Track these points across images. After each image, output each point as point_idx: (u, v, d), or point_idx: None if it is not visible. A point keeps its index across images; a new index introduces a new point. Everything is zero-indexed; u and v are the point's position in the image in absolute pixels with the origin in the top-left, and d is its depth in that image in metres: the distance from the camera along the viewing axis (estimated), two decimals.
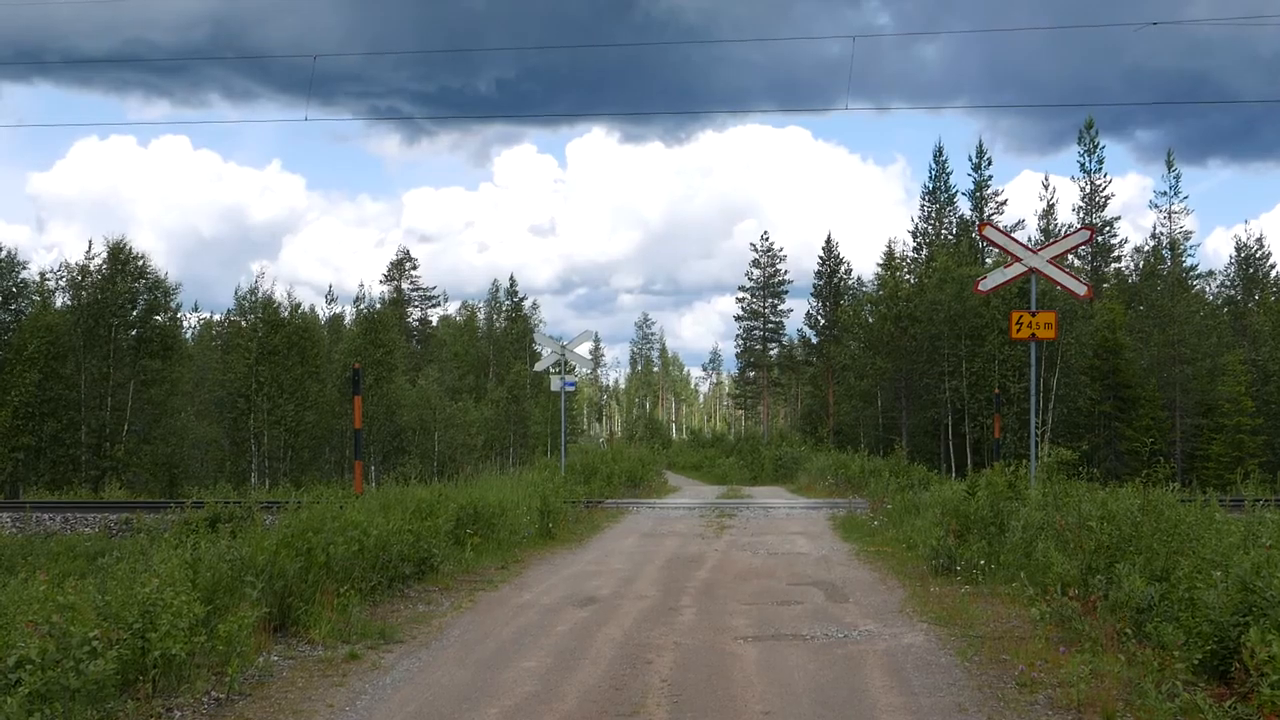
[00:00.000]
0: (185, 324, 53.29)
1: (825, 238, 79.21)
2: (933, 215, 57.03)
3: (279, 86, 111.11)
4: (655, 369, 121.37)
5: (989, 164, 55.74)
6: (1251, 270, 59.04)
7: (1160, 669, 6.43)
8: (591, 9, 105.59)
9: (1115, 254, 55.23)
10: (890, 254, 56.28)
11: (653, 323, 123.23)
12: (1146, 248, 53.57)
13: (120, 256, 43.56)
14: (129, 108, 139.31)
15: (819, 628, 9.00)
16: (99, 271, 43.60)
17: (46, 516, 21.40)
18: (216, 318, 55.18)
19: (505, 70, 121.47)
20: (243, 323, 50.29)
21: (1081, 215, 53.36)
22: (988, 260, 45.51)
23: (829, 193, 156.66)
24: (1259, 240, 59.90)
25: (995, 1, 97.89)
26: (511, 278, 79.04)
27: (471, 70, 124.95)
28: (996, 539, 11.62)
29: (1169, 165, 56.45)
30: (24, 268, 44.55)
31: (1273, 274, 59.21)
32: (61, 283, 44.87)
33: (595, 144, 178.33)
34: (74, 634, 5.85)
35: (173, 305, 45.66)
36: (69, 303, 44.06)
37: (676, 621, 9.36)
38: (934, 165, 57.70)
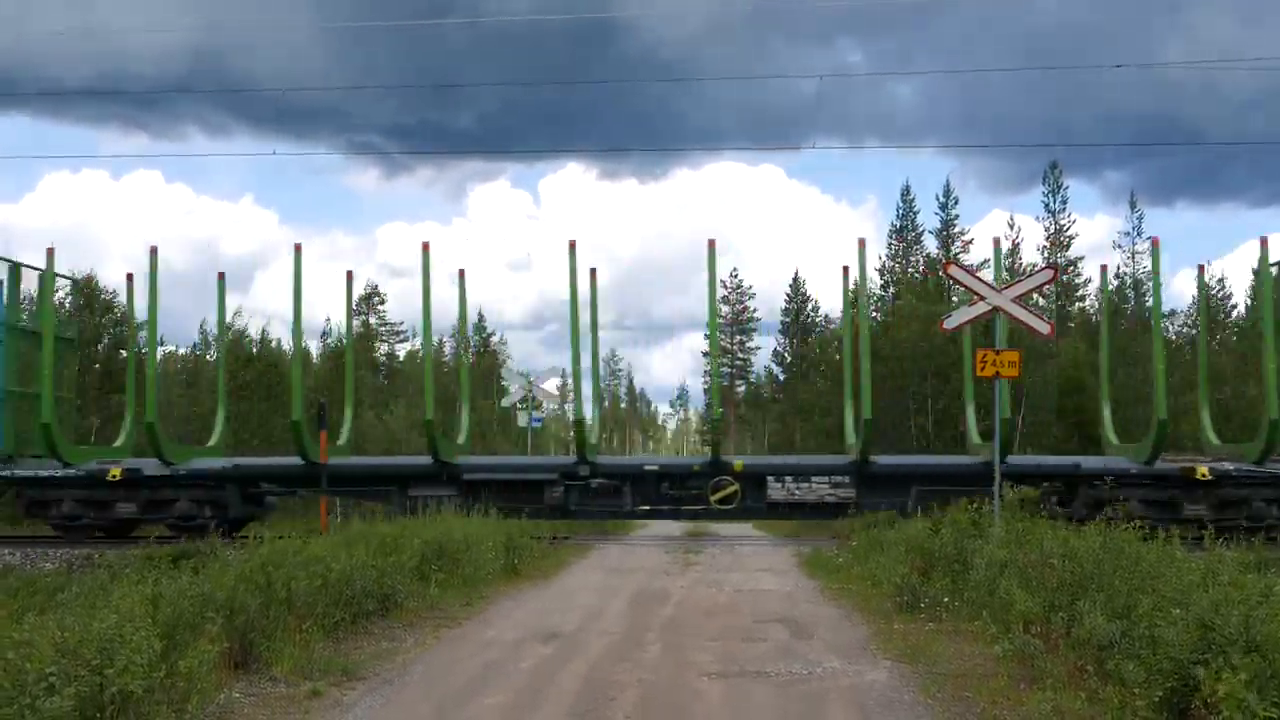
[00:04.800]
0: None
1: (793, 275, 79.56)
2: (900, 254, 57.48)
3: (255, 121, 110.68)
4: (623, 405, 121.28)
5: (956, 203, 56.35)
6: (1213, 309, 59.61)
7: (1121, 706, 6.47)
8: (572, 45, 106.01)
9: (1080, 293, 55.79)
10: (858, 292, 56.57)
11: (620, 359, 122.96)
12: (1110, 287, 54.11)
13: (90, 291, 43.15)
14: (107, 140, 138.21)
15: (783, 664, 9.01)
16: (64, 306, 43.17)
17: (6, 551, 21.11)
18: (183, 351, 54.67)
19: (484, 106, 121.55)
20: (209, 357, 49.95)
21: (1046, 255, 53.94)
22: (954, 299, 45.86)
23: (801, 231, 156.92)
24: (1220, 281, 60.49)
25: (967, 42, 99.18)
26: (480, 313, 78.75)
27: (451, 106, 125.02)
28: (960, 576, 11.66)
29: (1132, 205, 57.14)
30: None
31: (1234, 314, 59.82)
32: (24, 317, 44.42)
33: (570, 180, 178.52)
34: (30, 670, 5.78)
35: (138, 340, 45.23)
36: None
37: (641, 658, 9.34)
38: (901, 204, 58.29)
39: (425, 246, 22.16)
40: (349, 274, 26.45)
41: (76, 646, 6.37)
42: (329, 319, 63.76)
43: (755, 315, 69.95)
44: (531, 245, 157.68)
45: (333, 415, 26.37)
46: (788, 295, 63.93)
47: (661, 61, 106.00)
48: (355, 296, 24.99)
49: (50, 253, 23.37)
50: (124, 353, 43.66)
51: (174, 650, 7.16)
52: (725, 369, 70.81)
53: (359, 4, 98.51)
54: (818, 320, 63.20)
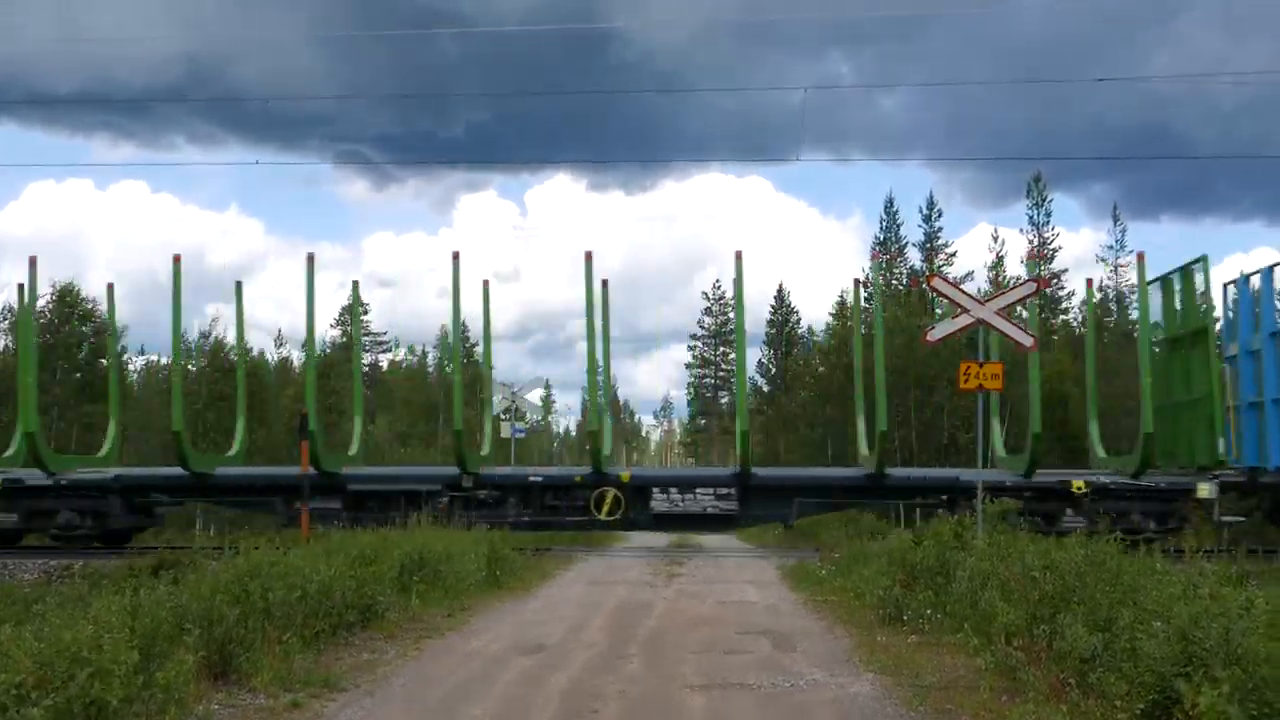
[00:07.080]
0: (131, 367, 52.64)
1: (777, 287, 79.67)
2: (884, 266, 57.63)
3: (244, 130, 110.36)
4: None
5: (939, 216, 56.68)
6: None
7: (1103, 719, 6.46)
8: (564, 53, 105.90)
9: (1063, 306, 56.01)
10: (842, 304, 56.78)
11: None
12: (1094, 299, 54.26)
13: (68, 300, 43.00)
14: (95, 148, 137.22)
15: (766, 677, 8.98)
16: (43, 314, 42.96)
17: None
18: (164, 361, 54.48)
19: (473, 116, 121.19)
20: (190, 367, 49.70)
21: (1030, 268, 54.16)
22: (938, 311, 45.97)
23: (788, 243, 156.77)
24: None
25: (954, 55, 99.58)
26: (464, 323, 78.67)
27: (439, 116, 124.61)
28: (943, 588, 11.65)
29: (1115, 219, 57.38)
30: None
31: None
32: (4, 325, 44.24)
33: (558, 191, 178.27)
34: (2, 681, 5.72)
35: (119, 349, 45.05)
36: (11, 345, 43.44)
37: (624, 670, 9.30)
38: (885, 217, 58.52)
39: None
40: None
41: (53, 657, 6.32)
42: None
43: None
44: (518, 256, 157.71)
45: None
46: (772, 308, 64.11)
47: (657, 70, 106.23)
48: (340, 306, 24.98)
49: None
50: (104, 361, 43.56)
51: (152, 661, 7.10)
52: (709, 380, 70.80)
53: (348, 13, 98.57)
54: (800, 333, 63.38)
